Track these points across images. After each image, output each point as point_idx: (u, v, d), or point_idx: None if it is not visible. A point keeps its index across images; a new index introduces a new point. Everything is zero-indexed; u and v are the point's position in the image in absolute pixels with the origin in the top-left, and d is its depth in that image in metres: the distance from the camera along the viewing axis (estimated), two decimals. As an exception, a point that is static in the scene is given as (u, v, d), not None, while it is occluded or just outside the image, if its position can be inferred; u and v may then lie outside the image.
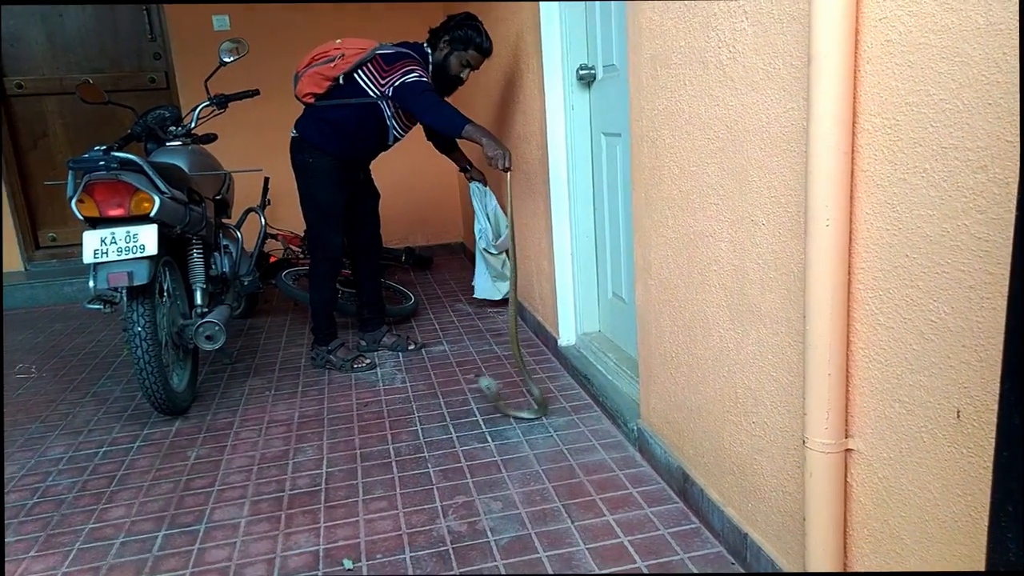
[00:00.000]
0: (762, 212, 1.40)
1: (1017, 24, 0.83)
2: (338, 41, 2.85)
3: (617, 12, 2.32)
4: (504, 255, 3.64)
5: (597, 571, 1.64)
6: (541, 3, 2.66)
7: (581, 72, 2.63)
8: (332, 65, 2.78)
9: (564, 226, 2.86)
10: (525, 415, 2.45)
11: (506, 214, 3.52)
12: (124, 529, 1.93)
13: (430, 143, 3.38)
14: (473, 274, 3.73)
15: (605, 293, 2.84)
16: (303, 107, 2.93)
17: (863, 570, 1.24)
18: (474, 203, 3.50)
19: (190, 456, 2.33)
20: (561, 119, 2.76)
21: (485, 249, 3.57)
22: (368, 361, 3.04)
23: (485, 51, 2.86)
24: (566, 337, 2.95)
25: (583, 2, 2.59)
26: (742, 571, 1.53)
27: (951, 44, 0.92)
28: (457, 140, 3.31)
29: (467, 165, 3.46)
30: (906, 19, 0.99)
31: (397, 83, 2.72)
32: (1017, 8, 0.83)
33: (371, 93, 2.79)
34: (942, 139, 0.96)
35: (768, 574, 1.50)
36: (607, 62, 2.50)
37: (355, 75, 2.79)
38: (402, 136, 2.98)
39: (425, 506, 1.96)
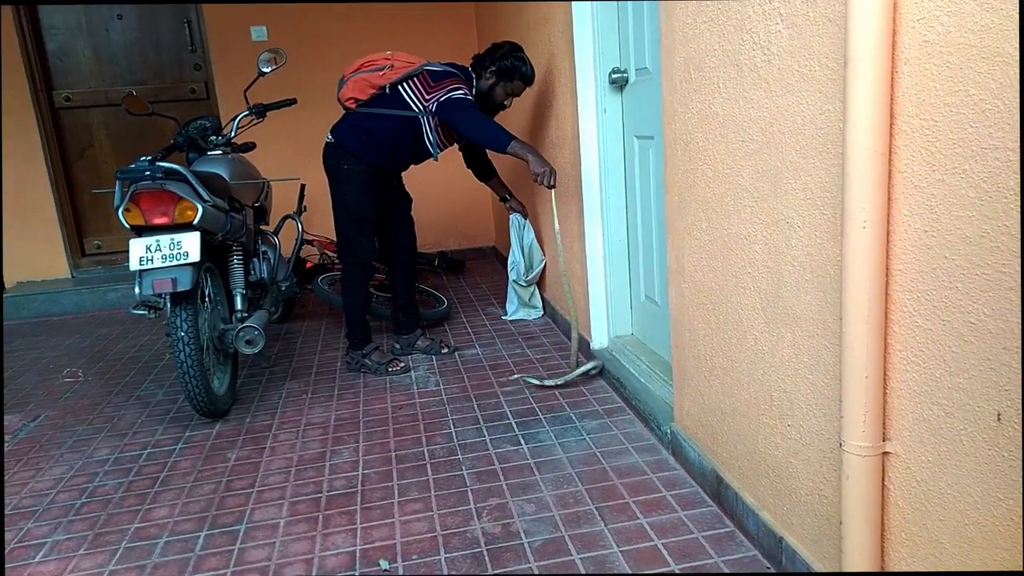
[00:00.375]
0: (797, 214, 1.39)
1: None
2: (388, 52, 2.90)
3: (650, 15, 2.33)
4: (535, 287, 3.68)
5: (629, 572, 1.64)
6: (574, 5, 2.67)
7: (614, 76, 2.63)
8: (381, 74, 2.83)
9: (596, 229, 2.86)
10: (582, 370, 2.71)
11: (543, 244, 3.56)
12: (168, 529, 1.99)
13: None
14: (505, 290, 3.77)
15: (638, 296, 2.83)
16: (341, 113, 2.99)
17: (899, 570, 1.23)
18: (511, 234, 3.53)
19: (230, 458, 2.39)
20: (593, 122, 2.77)
21: (515, 280, 3.60)
22: (403, 364, 3.08)
23: (530, 81, 2.96)
24: (599, 340, 2.96)
25: (615, 3, 2.60)
26: (774, 571, 1.52)
27: (991, 44, 0.92)
28: (496, 170, 3.43)
29: (507, 195, 3.48)
30: (944, 19, 0.99)
31: (443, 98, 2.76)
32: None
33: (414, 107, 2.83)
34: (982, 140, 0.95)
35: (800, 574, 1.49)
36: (640, 65, 2.50)
37: (400, 87, 2.84)
38: (437, 154, 2.98)
39: (459, 508, 1.98)
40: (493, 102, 2.93)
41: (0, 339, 2.49)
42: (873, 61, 1.08)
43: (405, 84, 2.84)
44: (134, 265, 2.36)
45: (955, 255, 1.02)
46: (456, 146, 3.22)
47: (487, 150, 3.36)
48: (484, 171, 3.44)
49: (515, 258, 3.56)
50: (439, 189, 5.00)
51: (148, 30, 4.79)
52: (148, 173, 2.37)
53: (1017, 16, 0.88)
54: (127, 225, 2.41)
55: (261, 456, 2.38)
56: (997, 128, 0.93)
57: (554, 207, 2.69)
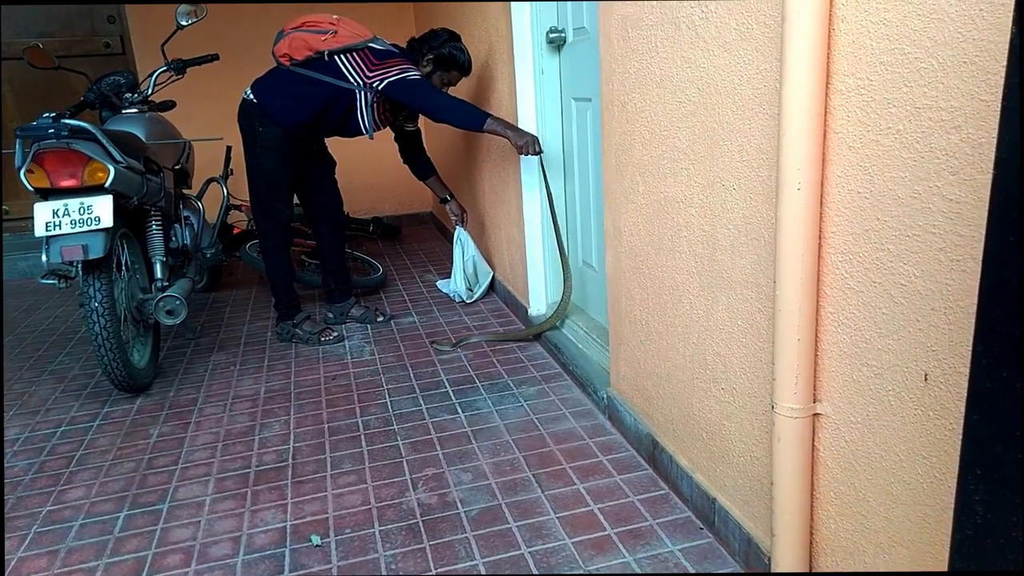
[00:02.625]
0: (733, 177, 1.37)
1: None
2: (335, 17, 2.76)
3: (586, -27, 2.27)
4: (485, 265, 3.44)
5: (579, 560, 1.64)
6: (509, -35, 2.59)
7: (551, 35, 2.57)
8: (322, 38, 2.69)
9: (534, 194, 2.82)
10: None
11: (488, 254, 3.43)
12: (84, 511, 1.88)
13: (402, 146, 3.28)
14: (445, 259, 3.54)
15: (575, 261, 2.81)
16: (269, 69, 2.83)
17: (828, 528, 1.25)
18: (454, 251, 3.30)
19: (152, 434, 2.28)
20: (531, 84, 2.71)
21: (458, 300, 3.37)
22: (336, 334, 2.99)
23: (467, 71, 2.91)
24: (536, 306, 2.93)
25: (551, -37, 2.53)
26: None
27: (928, 0, 0.90)
28: (435, 168, 3.31)
29: (448, 195, 3.31)
30: (880, -26, 0.96)
31: (394, 79, 2.65)
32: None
33: (351, 79, 2.70)
34: (916, 99, 0.94)
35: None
36: (577, 24, 2.44)
37: (339, 56, 2.71)
38: (371, 133, 2.84)
39: (394, 479, 1.94)
40: None
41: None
42: (810, 18, 1.05)
43: (344, 55, 2.71)
44: (40, 231, 2.20)
45: (887, 217, 1.02)
46: (392, 133, 3.12)
47: (422, 146, 3.28)
48: (422, 168, 3.30)
49: (455, 285, 3.33)
50: (374, 152, 4.83)
51: (54, -22, 4.45)
52: (53, 131, 2.19)
53: (954, -29, 0.86)
54: (30, 188, 2.23)
55: (186, 431, 2.28)
56: (931, 87, 0.92)
57: (543, 175, 2.63)
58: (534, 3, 2.61)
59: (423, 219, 5.30)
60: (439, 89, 2.75)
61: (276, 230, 2.91)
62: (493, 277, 3.44)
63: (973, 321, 0.91)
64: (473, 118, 2.62)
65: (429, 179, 3.33)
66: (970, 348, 0.91)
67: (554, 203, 2.64)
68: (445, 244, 4.61)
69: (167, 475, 2.03)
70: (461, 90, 3.48)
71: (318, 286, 3.38)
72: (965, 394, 0.93)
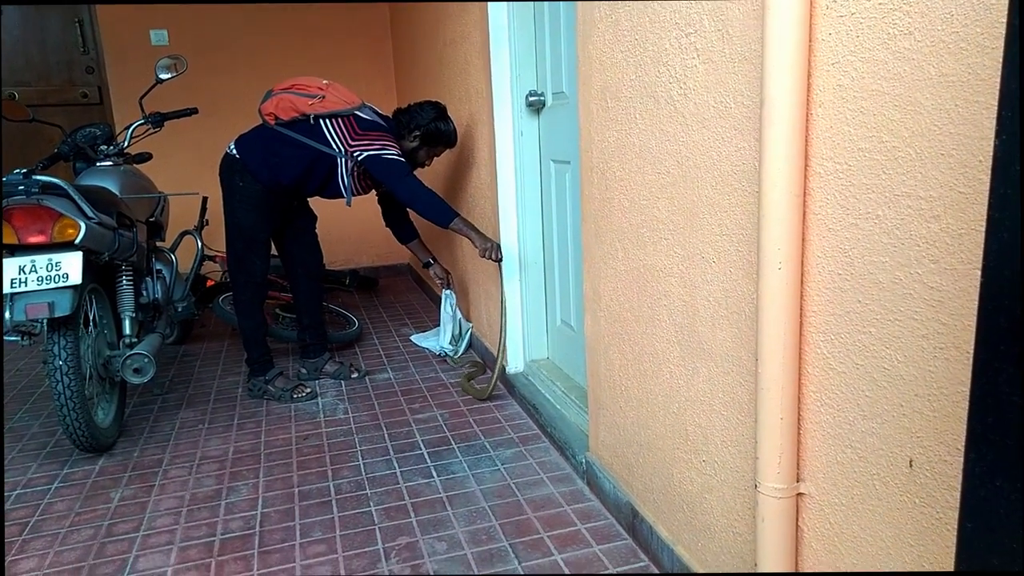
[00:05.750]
0: (713, 250, 1.38)
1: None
2: (324, 81, 2.77)
3: (567, 39, 2.31)
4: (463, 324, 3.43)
5: (546, 617, 1.59)
6: (491, 26, 2.63)
7: (530, 98, 2.60)
8: (310, 103, 2.70)
9: (512, 253, 2.82)
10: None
11: (465, 308, 3.44)
12: (36, 582, 1.79)
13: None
14: (423, 311, 3.55)
15: (554, 320, 2.80)
16: (247, 125, 2.82)
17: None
18: (442, 310, 3.29)
19: (113, 498, 2.19)
20: (510, 145, 2.73)
21: (444, 355, 3.34)
22: (308, 390, 2.93)
23: (453, 144, 2.97)
24: (514, 363, 2.91)
25: (533, 26, 2.58)
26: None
27: (904, 93, 0.92)
28: (418, 232, 3.32)
29: (431, 259, 3.29)
30: (859, 65, 0.98)
31: (372, 154, 2.68)
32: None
33: (333, 146, 2.71)
34: (895, 186, 0.95)
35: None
36: (556, 89, 2.48)
37: (323, 121, 2.72)
38: (350, 199, 2.82)
39: (366, 548, 1.87)
40: (414, 162, 2.88)
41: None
42: (788, 102, 1.07)
43: (329, 120, 2.72)
44: (5, 288, 2.14)
45: (868, 300, 1.02)
46: (375, 195, 3.12)
47: (406, 212, 3.26)
48: (405, 233, 3.29)
49: (441, 341, 3.30)
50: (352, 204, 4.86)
51: (33, 29, 4.44)
52: (23, 188, 2.15)
53: (928, 66, 0.88)
54: (-4, 243, 2.18)
55: (149, 495, 2.19)
56: (909, 176, 0.93)
57: (502, 280, 2.71)
58: (514, 66, 2.65)
59: (400, 270, 5.27)
60: (414, 176, 2.72)
61: (251, 284, 2.87)
62: (471, 330, 3.43)
63: (957, 410, 0.91)
64: (441, 214, 2.69)
65: (411, 243, 3.32)
66: (956, 437, 0.90)
67: (505, 308, 2.76)
68: (422, 296, 4.58)
69: (127, 543, 1.94)
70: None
71: (292, 341, 3.32)
72: (951, 483, 0.92)
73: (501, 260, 2.68)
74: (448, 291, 3.27)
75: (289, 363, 3.29)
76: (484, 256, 2.67)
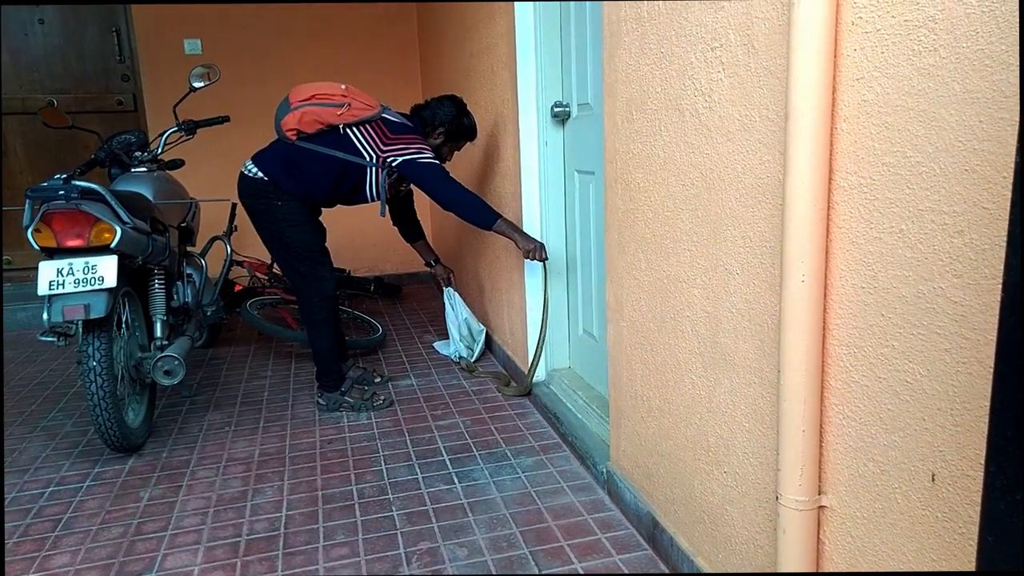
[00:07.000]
0: (736, 262, 1.39)
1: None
2: (344, 87, 2.72)
3: (592, 51, 2.34)
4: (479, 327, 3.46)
5: (565, 625, 1.59)
6: (517, 37, 2.66)
7: (555, 109, 2.63)
8: (338, 113, 2.64)
9: (536, 261, 2.83)
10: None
11: (478, 311, 3.48)
12: (68, 577, 1.83)
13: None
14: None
15: (576, 329, 2.81)
16: (270, 142, 2.79)
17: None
18: (447, 314, 3.36)
19: (143, 497, 2.24)
20: (535, 155, 2.76)
21: (457, 360, 3.38)
22: (384, 397, 2.93)
23: (474, 138, 2.99)
24: (536, 373, 2.92)
25: (559, 37, 2.60)
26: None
27: (928, 108, 0.93)
28: (424, 232, 3.39)
29: (433, 259, 3.36)
30: (883, 80, 0.99)
31: (408, 159, 2.65)
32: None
33: (365, 155, 2.68)
34: (918, 201, 0.96)
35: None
36: (582, 100, 2.50)
37: (352, 130, 2.69)
38: (384, 211, 2.81)
39: (388, 552, 1.89)
40: (439, 159, 2.87)
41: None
42: (813, 117, 1.08)
43: (358, 128, 2.69)
44: (43, 290, 2.20)
45: (891, 313, 1.03)
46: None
47: (413, 208, 3.32)
48: (411, 232, 3.35)
49: (454, 346, 3.36)
50: (376, 211, 4.91)
51: (72, 37, 4.57)
52: (63, 192, 2.21)
53: (955, 84, 0.89)
54: (37, 247, 2.24)
55: (177, 495, 2.24)
56: (933, 191, 0.94)
57: (545, 281, 2.71)
58: (540, 77, 2.68)
59: (424, 278, 5.31)
60: (453, 179, 2.71)
61: (325, 301, 2.81)
62: (488, 334, 3.45)
63: (980, 424, 0.91)
64: (484, 216, 2.64)
65: (417, 242, 3.37)
66: (978, 451, 0.91)
67: (548, 310, 2.73)
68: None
69: (156, 542, 1.98)
70: (468, 160, 3.55)
71: (374, 345, 3.46)
72: (974, 498, 0.92)
73: (547, 260, 2.61)
74: (449, 289, 3.34)
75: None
76: (528, 257, 2.59)
